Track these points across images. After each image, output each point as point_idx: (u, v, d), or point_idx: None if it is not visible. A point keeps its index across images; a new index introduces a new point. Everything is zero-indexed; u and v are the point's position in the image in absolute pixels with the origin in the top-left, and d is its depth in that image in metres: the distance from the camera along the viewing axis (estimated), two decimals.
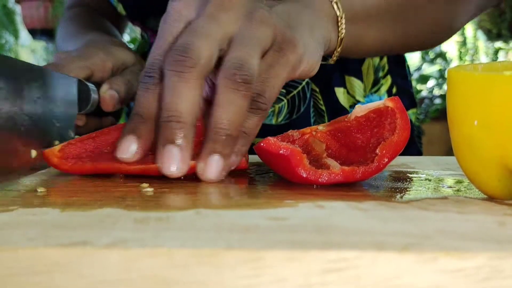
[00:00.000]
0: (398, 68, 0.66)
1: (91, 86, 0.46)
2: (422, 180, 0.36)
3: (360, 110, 0.35)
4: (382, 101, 0.35)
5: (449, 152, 0.36)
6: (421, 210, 0.25)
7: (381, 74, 0.64)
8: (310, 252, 0.18)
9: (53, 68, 0.45)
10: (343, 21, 0.42)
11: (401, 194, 0.30)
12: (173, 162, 0.31)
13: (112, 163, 0.34)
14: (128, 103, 0.52)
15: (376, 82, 0.64)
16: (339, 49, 0.44)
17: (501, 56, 2.80)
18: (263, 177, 0.36)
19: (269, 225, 0.21)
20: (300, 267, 0.18)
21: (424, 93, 2.90)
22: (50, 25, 2.62)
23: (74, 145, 0.35)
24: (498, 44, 2.89)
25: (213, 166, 0.32)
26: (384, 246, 0.19)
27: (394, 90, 0.65)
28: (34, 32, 2.68)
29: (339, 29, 0.43)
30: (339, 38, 0.43)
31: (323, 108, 0.61)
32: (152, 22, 0.62)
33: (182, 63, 0.31)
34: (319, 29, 0.41)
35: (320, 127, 0.36)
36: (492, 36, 2.74)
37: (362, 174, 0.32)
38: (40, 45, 3.04)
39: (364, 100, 0.62)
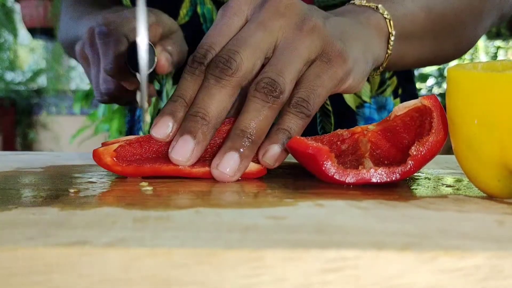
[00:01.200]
0: (404, 70, 0.66)
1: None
2: (421, 179, 0.36)
3: (399, 109, 0.35)
4: (419, 99, 0.33)
5: (448, 151, 0.36)
6: (421, 209, 0.25)
7: (387, 75, 0.64)
8: (309, 252, 0.18)
9: (107, 28, 0.44)
10: (393, 38, 0.44)
11: (401, 193, 0.30)
12: (186, 152, 0.33)
13: (174, 166, 0.34)
14: (178, 67, 0.52)
15: (382, 83, 0.63)
16: (384, 65, 0.45)
17: (500, 55, 2.80)
18: (262, 176, 0.36)
19: (268, 225, 0.21)
20: (299, 266, 0.18)
21: (423, 92, 2.90)
22: (50, 24, 2.62)
23: (124, 148, 0.35)
24: (498, 43, 2.89)
25: (229, 161, 0.33)
26: (384, 246, 0.19)
27: (399, 91, 0.65)
28: (34, 31, 2.68)
29: (389, 46, 0.44)
30: (387, 56, 0.44)
31: (330, 108, 0.60)
32: None
33: (222, 71, 0.33)
34: (371, 47, 0.42)
35: (371, 127, 0.36)
36: (491, 35, 2.74)
37: (391, 175, 0.31)
38: (39, 44, 3.04)
39: (370, 101, 0.62)
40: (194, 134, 0.33)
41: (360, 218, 0.23)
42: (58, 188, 0.31)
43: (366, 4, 0.44)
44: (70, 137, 2.64)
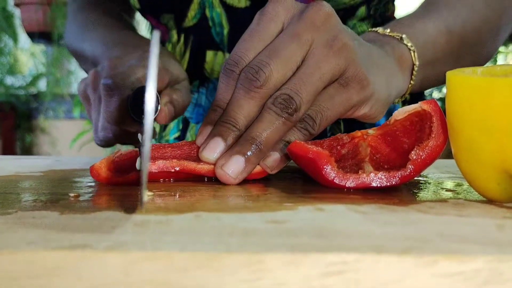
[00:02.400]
0: None
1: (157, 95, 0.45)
2: (421, 183, 0.36)
3: (399, 113, 0.35)
4: (419, 104, 0.33)
5: (448, 155, 0.36)
6: (421, 213, 0.25)
7: None
8: (310, 256, 0.18)
9: (113, 81, 0.44)
10: (416, 69, 0.44)
11: (401, 198, 0.30)
12: (215, 152, 0.34)
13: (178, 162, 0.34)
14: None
15: None
16: (407, 94, 0.45)
17: (500, 60, 2.80)
18: (262, 180, 0.36)
19: (268, 229, 0.21)
20: (300, 270, 0.18)
21: None
22: (49, 28, 2.62)
23: (119, 161, 0.36)
24: None
25: (234, 163, 0.33)
26: (384, 249, 0.19)
27: (407, 98, 0.65)
28: (33, 36, 2.68)
29: (412, 77, 0.44)
30: (410, 86, 0.44)
31: None
32: (166, 18, 0.61)
33: (251, 82, 0.34)
34: (395, 80, 0.42)
35: (371, 131, 0.35)
36: None
37: (391, 180, 0.31)
38: (39, 48, 3.05)
39: None
40: (224, 138, 0.34)
41: (360, 222, 0.23)
42: (58, 192, 0.31)
43: (390, 34, 0.44)
44: (70, 141, 2.63)
